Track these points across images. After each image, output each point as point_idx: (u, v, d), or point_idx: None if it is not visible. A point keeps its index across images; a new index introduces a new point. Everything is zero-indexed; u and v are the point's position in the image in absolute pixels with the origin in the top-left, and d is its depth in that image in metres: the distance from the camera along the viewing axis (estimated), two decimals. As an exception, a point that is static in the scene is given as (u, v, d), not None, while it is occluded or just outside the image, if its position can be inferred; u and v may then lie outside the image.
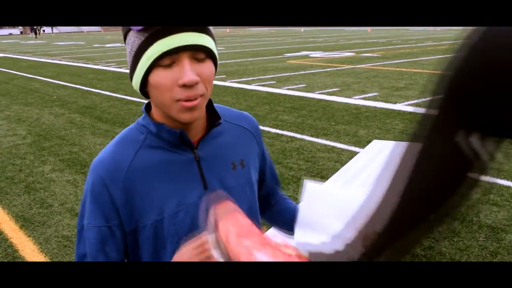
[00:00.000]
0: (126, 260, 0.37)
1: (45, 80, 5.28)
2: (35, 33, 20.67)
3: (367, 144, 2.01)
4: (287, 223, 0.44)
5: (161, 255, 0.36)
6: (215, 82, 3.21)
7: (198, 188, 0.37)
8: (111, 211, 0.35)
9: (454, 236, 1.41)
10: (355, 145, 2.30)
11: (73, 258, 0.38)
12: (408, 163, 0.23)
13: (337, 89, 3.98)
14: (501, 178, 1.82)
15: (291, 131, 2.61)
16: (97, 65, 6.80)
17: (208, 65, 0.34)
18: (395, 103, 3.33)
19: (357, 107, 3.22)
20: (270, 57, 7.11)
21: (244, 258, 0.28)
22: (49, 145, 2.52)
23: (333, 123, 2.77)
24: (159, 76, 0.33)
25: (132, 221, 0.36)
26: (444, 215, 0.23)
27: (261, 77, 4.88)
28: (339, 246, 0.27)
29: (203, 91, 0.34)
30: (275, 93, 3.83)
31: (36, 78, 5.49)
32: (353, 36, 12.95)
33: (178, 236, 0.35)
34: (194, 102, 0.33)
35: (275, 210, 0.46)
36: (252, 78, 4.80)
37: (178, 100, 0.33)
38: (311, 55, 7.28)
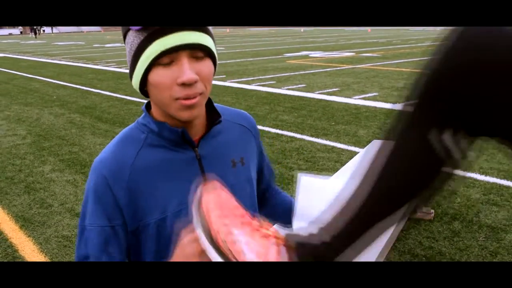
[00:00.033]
0: (127, 260, 0.37)
1: (45, 80, 5.27)
2: (35, 33, 20.64)
3: (367, 144, 2.03)
4: (283, 216, 0.45)
5: (164, 253, 0.36)
6: (215, 82, 3.18)
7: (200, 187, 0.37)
8: (114, 211, 0.35)
9: (454, 236, 1.41)
10: (355, 145, 2.30)
11: (73, 258, 0.37)
12: (381, 159, 0.23)
13: (337, 89, 3.98)
14: (501, 178, 1.81)
15: (291, 131, 2.61)
16: (97, 65, 6.80)
17: (207, 64, 0.34)
18: (395, 103, 3.34)
19: (357, 107, 3.22)
20: (270, 57, 7.11)
21: (223, 235, 0.28)
22: (49, 145, 2.52)
23: (333, 123, 2.77)
24: (158, 75, 0.33)
25: (136, 220, 0.36)
26: (416, 208, 0.23)
27: (261, 77, 4.88)
28: (314, 229, 0.27)
29: (202, 89, 0.34)
30: (275, 93, 3.83)
31: (36, 78, 5.49)
32: (353, 36, 12.95)
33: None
34: (193, 101, 0.34)
35: (271, 204, 0.47)
36: (252, 78, 4.80)
37: (177, 99, 0.33)
38: (311, 55, 7.27)
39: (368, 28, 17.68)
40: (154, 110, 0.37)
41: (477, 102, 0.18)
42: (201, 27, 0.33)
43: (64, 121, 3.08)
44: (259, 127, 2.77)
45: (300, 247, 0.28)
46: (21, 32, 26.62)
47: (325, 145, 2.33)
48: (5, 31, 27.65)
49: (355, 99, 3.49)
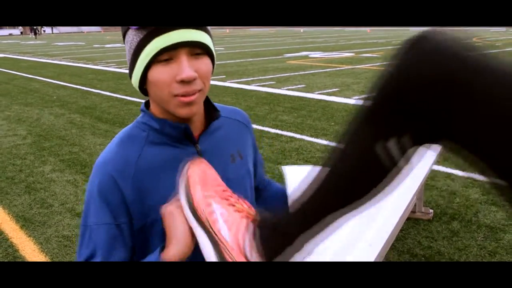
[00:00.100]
0: (132, 258, 0.37)
1: (45, 81, 5.28)
2: (35, 34, 20.62)
3: (366, 144, 2.02)
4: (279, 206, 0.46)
5: None
6: (215, 83, 3.21)
7: None
8: (120, 209, 0.35)
9: (453, 235, 1.41)
10: (354, 145, 2.32)
11: (73, 257, 0.36)
12: (332, 158, 0.25)
13: (336, 89, 3.99)
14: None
15: (290, 131, 2.62)
16: (97, 65, 6.81)
17: (205, 61, 0.35)
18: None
19: (356, 108, 3.25)
20: (270, 58, 7.12)
21: (203, 206, 0.31)
22: (49, 145, 2.52)
23: (333, 123, 2.78)
24: (158, 72, 0.33)
25: (142, 217, 0.36)
26: (358, 205, 0.25)
27: (260, 77, 4.88)
28: (282, 212, 0.30)
29: (201, 86, 0.35)
30: (274, 94, 3.83)
31: (36, 79, 5.49)
32: (352, 37, 12.96)
33: None
34: (192, 98, 0.34)
35: (266, 196, 0.48)
36: (251, 79, 4.80)
37: (176, 95, 0.34)
38: (310, 56, 7.27)
39: (368, 29, 17.68)
40: (153, 108, 0.38)
41: (423, 112, 0.19)
42: (200, 26, 0.34)
43: (64, 121, 3.09)
44: (259, 127, 2.76)
45: (262, 222, 0.30)
46: (21, 33, 26.64)
47: (324, 145, 2.33)
48: (5, 31, 27.65)
49: (355, 99, 3.51)
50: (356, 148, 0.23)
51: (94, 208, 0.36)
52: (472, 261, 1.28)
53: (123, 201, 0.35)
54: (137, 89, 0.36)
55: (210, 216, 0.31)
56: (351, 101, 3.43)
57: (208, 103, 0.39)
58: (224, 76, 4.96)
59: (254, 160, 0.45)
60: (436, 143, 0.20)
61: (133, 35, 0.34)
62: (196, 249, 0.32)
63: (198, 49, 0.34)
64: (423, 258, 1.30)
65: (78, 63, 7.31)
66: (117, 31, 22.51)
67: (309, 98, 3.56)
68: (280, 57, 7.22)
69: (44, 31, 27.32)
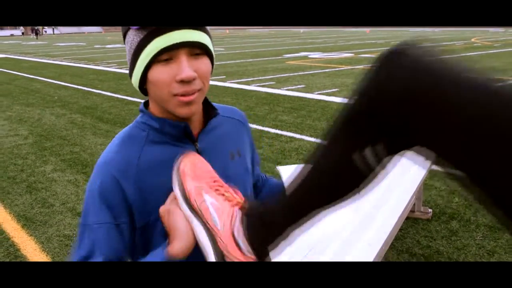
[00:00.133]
0: (130, 259, 0.38)
1: (47, 81, 5.29)
2: (36, 34, 20.63)
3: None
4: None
5: None
6: (215, 83, 3.21)
7: None
8: (121, 210, 0.36)
9: (452, 235, 1.41)
10: (354, 145, 2.33)
11: None
12: (314, 158, 0.27)
13: (336, 89, 3.99)
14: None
15: (290, 131, 2.62)
16: (98, 66, 6.81)
17: (205, 61, 0.35)
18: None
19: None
20: (270, 58, 7.12)
21: (194, 196, 0.33)
22: (50, 145, 2.53)
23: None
24: (158, 72, 0.34)
25: (145, 216, 0.36)
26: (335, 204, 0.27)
27: (260, 77, 4.89)
28: (271, 204, 0.32)
29: (200, 86, 0.35)
30: (274, 94, 3.84)
31: (38, 79, 5.50)
32: (351, 37, 12.94)
33: None
34: (192, 97, 0.35)
35: (265, 192, 0.48)
36: (251, 79, 4.81)
37: (175, 95, 0.34)
38: (310, 56, 7.28)
39: (367, 29, 17.72)
40: (153, 108, 0.38)
41: (394, 124, 0.21)
42: (199, 27, 0.34)
43: (66, 122, 3.10)
44: (259, 127, 2.77)
45: (250, 210, 0.32)
46: (22, 33, 26.71)
47: (324, 145, 2.36)
48: (7, 32, 27.67)
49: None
50: (335, 155, 0.25)
51: (94, 207, 0.36)
52: (471, 260, 1.28)
53: (125, 201, 0.36)
54: (137, 88, 0.37)
55: (201, 206, 0.33)
56: (351, 101, 3.44)
57: (205, 102, 0.40)
58: (224, 77, 4.96)
59: (251, 158, 0.45)
60: (410, 149, 0.22)
61: (134, 35, 0.35)
62: (196, 243, 0.34)
63: (197, 49, 0.35)
64: (422, 257, 1.30)
65: (79, 63, 7.32)
66: (117, 31, 22.56)
67: (309, 98, 3.57)
68: (279, 57, 7.22)
69: (46, 31, 27.25)
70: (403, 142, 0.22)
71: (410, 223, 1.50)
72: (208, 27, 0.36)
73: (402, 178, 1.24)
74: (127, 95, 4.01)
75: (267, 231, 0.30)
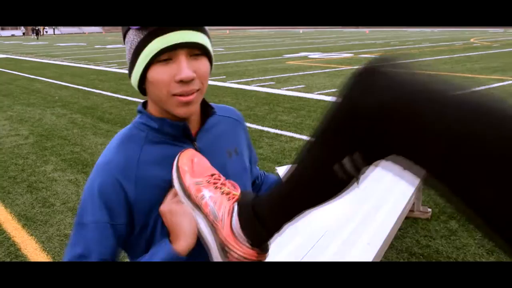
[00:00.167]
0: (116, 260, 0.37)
1: (47, 81, 5.30)
2: (37, 34, 20.64)
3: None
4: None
5: None
6: (215, 83, 3.20)
7: None
8: (121, 211, 0.36)
9: (451, 234, 1.42)
10: (353, 145, 2.33)
11: None
12: (299, 161, 0.29)
13: (336, 89, 3.93)
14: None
15: (290, 131, 2.63)
16: (99, 66, 6.82)
17: (203, 62, 0.36)
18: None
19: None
20: (270, 58, 7.12)
21: (194, 191, 0.35)
22: (51, 145, 2.54)
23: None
24: (157, 72, 0.34)
25: (146, 214, 0.37)
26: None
27: (260, 77, 4.89)
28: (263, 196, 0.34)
29: (199, 86, 0.36)
30: (274, 94, 3.84)
31: (38, 79, 5.51)
32: (351, 37, 12.94)
33: None
34: (190, 97, 0.35)
35: (264, 189, 0.49)
36: (251, 79, 4.81)
37: (174, 95, 0.35)
38: (310, 56, 7.29)
39: (366, 30, 17.81)
40: (151, 108, 0.39)
41: (368, 136, 0.23)
42: (197, 27, 0.35)
43: (66, 121, 3.10)
44: (259, 127, 2.78)
45: (242, 200, 0.34)
46: (23, 34, 26.67)
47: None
48: (8, 32, 27.71)
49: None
50: (314, 166, 0.27)
51: (93, 206, 0.36)
52: (470, 260, 1.28)
53: (125, 202, 0.36)
54: (136, 88, 0.37)
55: (201, 200, 0.34)
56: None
57: (202, 101, 0.40)
58: (224, 77, 4.97)
59: (249, 156, 0.46)
60: (386, 158, 0.23)
61: (134, 35, 0.35)
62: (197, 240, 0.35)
63: (196, 50, 0.35)
64: (421, 257, 1.30)
65: (80, 63, 7.33)
66: (118, 31, 22.51)
67: (309, 98, 3.57)
68: (279, 57, 7.22)
69: (46, 31, 27.17)
70: (378, 152, 0.23)
71: (409, 222, 1.51)
72: (207, 28, 0.37)
73: (402, 178, 1.24)
74: (127, 95, 4.01)
75: (258, 221, 0.32)
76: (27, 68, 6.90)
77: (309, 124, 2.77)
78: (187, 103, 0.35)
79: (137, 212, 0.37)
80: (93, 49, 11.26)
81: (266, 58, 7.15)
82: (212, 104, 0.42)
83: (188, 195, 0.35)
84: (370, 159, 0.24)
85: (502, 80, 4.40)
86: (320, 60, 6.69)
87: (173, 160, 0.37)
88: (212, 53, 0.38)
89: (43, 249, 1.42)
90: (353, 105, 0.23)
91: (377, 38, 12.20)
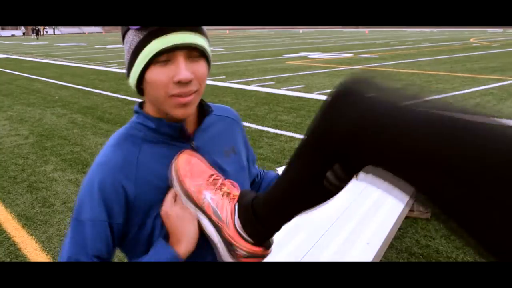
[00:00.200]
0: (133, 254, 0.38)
1: (47, 81, 5.30)
2: (37, 34, 20.62)
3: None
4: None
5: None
6: (215, 83, 3.19)
7: None
8: (119, 211, 0.36)
9: (451, 234, 1.42)
10: (353, 145, 2.34)
11: None
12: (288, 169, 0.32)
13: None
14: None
15: (290, 131, 2.63)
16: (99, 66, 6.82)
17: (201, 64, 0.36)
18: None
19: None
20: (269, 58, 7.13)
21: (195, 194, 0.36)
22: (51, 145, 2.54)
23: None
24: (155, 73, 0.35)
25: (145, 212, 0.37)
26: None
27: (260, 77, 4.90)
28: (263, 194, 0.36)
29: (197, 87, 0.36)
30: (274, 94, 3.85)
31: (38, 79, 5.51)
32: (351, 38, 12.97)
33: None
34: (188, 98, 0.36)
35: (264, 186, 0.49)
36: (251, 79, 4.81)
37: (172, 96, 0.35)
38: (309, 56, 7.30)
39: (366, 30, 17.99)
40: (148, 108, 0.39)
41: (344, 151, 0.25)
42: (196, 29, 0.35)
43: (66, 121, 3.10)
44: (259, 127, 2.77)
45: (240, 198, 0.36)
46: (23, 34, 26.67)
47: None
48: (8, 32, 27.65)
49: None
50: (300, 179, 0.30)
51: (92, 204, 0.36)
52: (470, 260, 1.28)
53: (125, 201, 0.36)
54: (134, 88, 0.37)
55: (203, 202, 0.36)
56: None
57: (199, 101, 0.40)
58: (224, 77, 4.98)
59: (246, 155, 0.46)
60: (364, 168, 0.26)
61: (133, 36, 0.35)
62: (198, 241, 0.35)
63: (195, 52, 0.35)
64: (421, 256, 1.31)
65: (80, 63, 7.33)
66: (118, 31, 22.18)
67: (308, 98, 3.58)
68: (279, 57, 7.23)
69: (47, 32, 27.16)
70: (356, 165, 0.26)
71: (409, 222, 1.51)
72: (207, 28, 0.37)
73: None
74: (127, 95, 4.01)
75: (258, 221, 0.33)
76: (27, 68, 6.90)
77: (308, 124, 2.77)
78: (185, 105, 0.36)
79: (135, 212, 0.37)
80: (93, 49, 11.26)
81: (266, 58, 7.15)
82: (208, 103, 0.42)
83: (189, 198, 0.36)
84: (349, 171, 0.27)
85: (501, 80, 4.41)
86: (320, 60, 6.70)
87: (171, 159, 0.37)
88: (210, 55, 0.38)
89: (43, 249, 1.42)
90: (329, 126, 0.26)
91: (376, 38, 12.23)
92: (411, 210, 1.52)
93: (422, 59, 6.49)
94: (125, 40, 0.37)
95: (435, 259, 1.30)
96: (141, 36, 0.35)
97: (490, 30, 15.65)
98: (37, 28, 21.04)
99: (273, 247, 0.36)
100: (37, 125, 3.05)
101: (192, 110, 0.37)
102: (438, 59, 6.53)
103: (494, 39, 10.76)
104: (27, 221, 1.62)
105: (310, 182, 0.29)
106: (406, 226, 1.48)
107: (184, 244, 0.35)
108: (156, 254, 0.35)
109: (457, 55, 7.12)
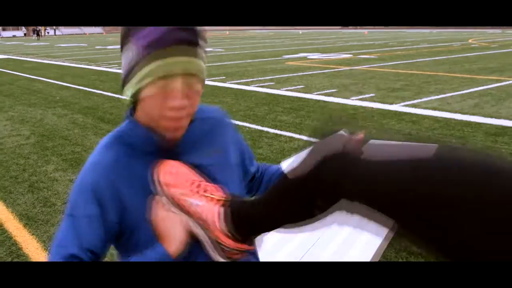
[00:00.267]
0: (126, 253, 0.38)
1: (48, 81, 5.31)
2: (38, 35, 20.57)
3: (365, 144, 2.05)
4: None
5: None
6: (214, 83, 3.21)
7: None
8: (113, 207, 0.37)
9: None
10: (353, 145, 2.35)
11: None
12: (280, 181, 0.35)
13: (334, 90, 4.01)
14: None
15: (289, 131, 2.64)
16: (99, 66, 6.83)
17: (197, 88, 0.37)
18: (391, 103, 3.36)
19: (354, 108, 3.24)
20: (269, 59, 7.13)
21: (181, 202, 0.37)
22: (52, 145, 2.55)
23: (331, 124, 2.81)
24: (151, 93, 0.35)
25: (135, 216, 0.38)
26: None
27: (260, 78, 4.90)
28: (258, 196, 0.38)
29: (190, 110, 0.37)
30: (274, 94, 3.85)
31: (39, 79, 5.51)
32: (350, 38, 12.99)
33: None
34: (180, 123, 0.37)
35: (265, 181, 0.50)
36: (251, 80, 4.82)
37: (165, 116, 0.36)
38: (309, 57, 7.31)
39: (365, 30, 18.13)
40: (140, 114, 0.38)
41: (323, 191, 0.30)
42: (195, 54, 0.35)
43: (67, 122, 3.11)
44: (259, 127, 2.77)
45: (230, 203, 0.37)
46: (24, 34, 26.78)
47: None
48: (9, 33, 27.66)
49: (353, 100, 3.52)
50: (292, 201, 0.33)
51: (85, 200, 0.36)
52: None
53: (118, 200, 0.37)
54: (127, 98, 0.37)
55: (189, 208, 0.37)
56: (349, 101, 3.45)
57: None
58: (224, 77, 4.97)
59: (241, 152, 0.46)
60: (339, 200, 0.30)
61: (132, 52, 0.35)
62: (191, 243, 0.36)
63: (192, 78, 0.36)
64: (420, 256, 1.31)
65: (81, 64, 7.33)
66: (118, 32, 22.12)
67: (308, 99, 3.58)
68: (279, 58, 7.23)
69: (48, 32, 27.15)
70: (332, 198, 0.30)
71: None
72: (206, 34, 0.37)
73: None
74: (128, 96, 4.05)
75: (245, 225, 0.35)
76: (29, 68, 6.90)
77: (308, 124, 2.78)
78: (177, 128, 0.37)
79: (129, 211, 0.37)
80: (94, 49, 11.39)
81: (266, 59, 7.16)
82: (199, 105, 0.43)
83: (176, 205, 0.37)
84: (327, 201, 0.30)
85: (500, 81, 4.40)
86: (319, 60, 6.71)
87: (155, 168, 0.38)
88: (205, 76, 0.38)
89: (45, 249, 1.43)
90: (313, 176, 0.31)
91: (375, 39, 12.23)
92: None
93: (421, 60, 6.49)
94: (125, 53, 0.37)
95: (434, 259, 1.30)
96: (141, 56, 0.34)
97: (489, 31, 15.75)
98: (38, 28, 20.98)
99: (274, 247, 0.37)
100: (38, 125, 3.06)
101: (182, 131, 0.38)
102: (437, 60, 6.53)
103: (493, 40, 10.76)
104: (28, 220, 1.63)
105: (295, 213, 0.32)
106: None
107: (173, 246, 0.36)
108: (148, 253, 0.35)
109: (456, 55, 7.11)
